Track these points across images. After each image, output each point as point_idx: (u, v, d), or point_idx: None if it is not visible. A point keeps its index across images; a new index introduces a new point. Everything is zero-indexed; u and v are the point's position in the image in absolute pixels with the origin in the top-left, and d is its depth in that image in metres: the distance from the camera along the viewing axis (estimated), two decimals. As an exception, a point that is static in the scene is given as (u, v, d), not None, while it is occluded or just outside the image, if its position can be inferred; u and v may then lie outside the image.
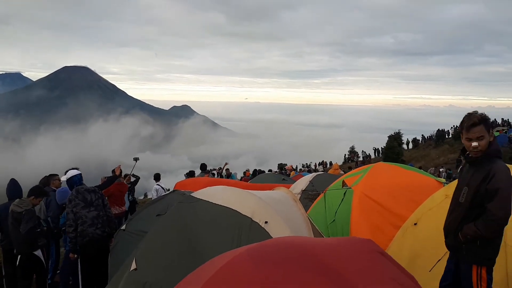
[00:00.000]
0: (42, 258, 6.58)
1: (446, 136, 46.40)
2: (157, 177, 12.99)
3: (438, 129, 47.64)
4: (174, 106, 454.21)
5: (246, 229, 4.49)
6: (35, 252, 6.45)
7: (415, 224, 5.17)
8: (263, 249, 1.93)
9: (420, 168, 24.66)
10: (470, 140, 3.49)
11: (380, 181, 6.73)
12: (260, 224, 4.49)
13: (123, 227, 7.25)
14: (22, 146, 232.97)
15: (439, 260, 4.25)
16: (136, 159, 12.00)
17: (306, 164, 47.38)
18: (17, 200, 6.56)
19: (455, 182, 4.21)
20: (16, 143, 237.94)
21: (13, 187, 7.26)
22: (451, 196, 3.96)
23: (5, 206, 7.42)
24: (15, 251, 6.57)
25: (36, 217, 6.55)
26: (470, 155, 3.61)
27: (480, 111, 3.55)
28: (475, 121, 3.47)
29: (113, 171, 8.01)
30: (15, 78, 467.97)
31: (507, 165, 3.57)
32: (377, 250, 2.05)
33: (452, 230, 3.64)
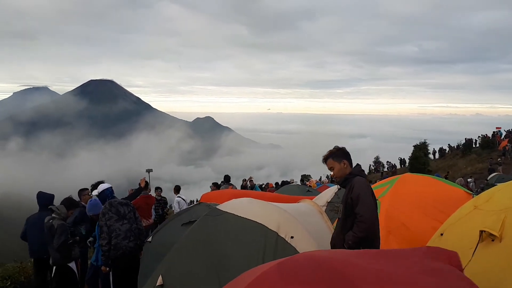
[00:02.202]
0: (76, 270, 6.70)
1: (474, 146, 45.34)
2: (177, 190, 13.01)
3: (465, 138, 46.60)
4: (198, 118, 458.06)
5: (272, 243, 4.48)
6: (69, 264, 6.57)
7: (441, 234, 5.07)
8: (293, 266, 1.90)
9: (446, 177, 24.17)
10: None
11: (408, 193, 6.61)
12: (286, 239, 4.47)
13: (149, 239, 7.33)
14: (54, 159, 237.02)
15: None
16: (149, 171, 12.18)
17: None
18: (51, 211, 6.72)
19: (485, 193, 4.15)
20: (52, 156, 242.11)
21: (42, 198, 7.55)
22: (479, 207, 3.91)
23: (34, 216, 7.66)
24: (50, 262, 6.72)
25: (68, 229, 6.67)
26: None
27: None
28: (323, 158, 4.52)
29: (130, 191, 8.18)
30: (43, 92, 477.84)
31: None
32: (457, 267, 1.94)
33: (338, 242, 4.20)
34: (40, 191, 7.96)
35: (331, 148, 4.62)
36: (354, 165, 4.47)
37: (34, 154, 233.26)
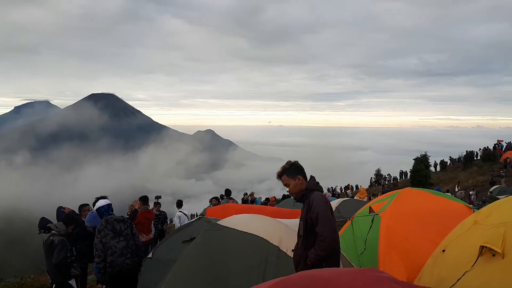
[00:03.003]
0: (75, 287, 6.66)
1: (475, 158, 45.27)
2: (179, 204, 13.00)
3: (466, 150, 46.55)
4: (199, 131, 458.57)
5: (274, 257, 4.48)
6: (70, 281, 6.53)
7: (443, 251, 5.05)
8: (291, 284, 1.91)
9: (447, 191, 24.08)
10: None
11: (408, 207, 6.59)
12: (288, 253, 4.48)
13: (150, 255, 7.31)
14: (56, 174, 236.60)
15: (458, 281, 4.13)
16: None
17: (332, 188, 46.87)
18: (52, 228, 6.69)
19: (486, 208, 4.14)
20: (55, 170, 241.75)
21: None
22: (479, 221, 3.90)
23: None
24: (49, 279, 6.66)
25: (68, 246, 6.63)
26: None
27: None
28: (277, 175, 4.43)
29: (130, 206, 8.33)
30: (44, 106, 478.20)
31: None
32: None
33: (301, 260, 4.16)
34: (60, 206, 7.93)
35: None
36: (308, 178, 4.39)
37: (38, 169, 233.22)
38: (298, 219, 5.78)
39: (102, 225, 6.39)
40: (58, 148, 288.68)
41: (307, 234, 4.17)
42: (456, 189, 27.70)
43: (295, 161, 4.45)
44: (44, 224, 7.71)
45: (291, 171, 4.35)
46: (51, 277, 6.67)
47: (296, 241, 4.42)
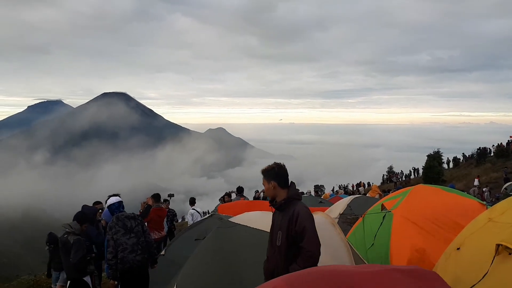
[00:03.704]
0: (90, 284, 6.73)
1: (488, 155, 44.75)
2: (192, 202, 13.07)
3: (479, 147, 46.04)
4: (210, 129, 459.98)
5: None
6: (85, 278, 6.60)
7: (458, 249, 5.00)
8: (302, 281, 1.91)
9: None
10: None
11: (420, 204, 6.56)
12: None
13: (163, 252, 7.36)
14: (74, 172, 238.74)
15: (477, 282, 4.10)
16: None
17: (343, 185, 46.72)
18: (66, 228, 6.75)
19: (499, 204, 4.10)
20: (72, 169, 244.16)
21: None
22: (494, 219, 3.86)
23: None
24: (65, 276, 6.75)
25: (84, 245, 6.69)
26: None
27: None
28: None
29: (143, 204, 8.50)
30: (56, 105, 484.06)
31: None
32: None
33: (277, 273, 3.87)
34: (85, 205, 8.03)
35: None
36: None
37: (54, 168, 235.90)
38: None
39: (113, 222, 6.46)
40: (73, 147, 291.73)
41: (288, 247, 3.94)
42: (476, 183, 27.50)
43: (279, 165, 4.20)
44: (52, 238, 7.87)
45: (268, 174, 4.15)
46: (66, 274, 6.75)
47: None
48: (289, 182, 4.16)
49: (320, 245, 3.85)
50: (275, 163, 4.24)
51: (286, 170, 4.17)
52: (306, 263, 3.75)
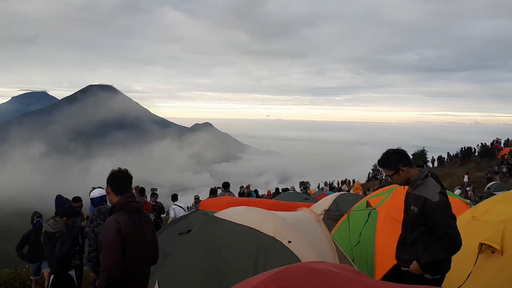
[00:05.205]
0: (75, 278, 6.64)
1: (472, 154, 45.35)
2: (174, 198, 13.08)
3: (464, 146, 46.66)
4: (196, 124, 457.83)
5: (270, 248, 4.46)
6: (69, 272, 6.51)
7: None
8: (289, 277, 1.87)
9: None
10: None
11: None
12: (284, 243, 4.46)
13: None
14: (52, 167, 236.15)
15: (463, 283, 4.13)
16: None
17: (329, 182, 46.95)
18: (51, 220, 6.64)
19: (483, 203, 4.14)
20: (52, 162, 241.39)
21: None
22: (477, 217, 3.89)
23: None
24: (49, 271, 6.64)
25: (70, 238, 6.61)
26: None
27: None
28: None
29: None
30: (41, 96, 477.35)
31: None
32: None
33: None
34: (59, 195, 7.93)
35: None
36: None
37: (34, 161, 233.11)
38: (294, 212, 5.76)
39: (94, 214, 6.42)
40: (56, 140, 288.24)
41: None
42: (466, 180, 27.93)
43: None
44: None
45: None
46: (51, 268, 6.64)
47: (293, 232, 4.28)
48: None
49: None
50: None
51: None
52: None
